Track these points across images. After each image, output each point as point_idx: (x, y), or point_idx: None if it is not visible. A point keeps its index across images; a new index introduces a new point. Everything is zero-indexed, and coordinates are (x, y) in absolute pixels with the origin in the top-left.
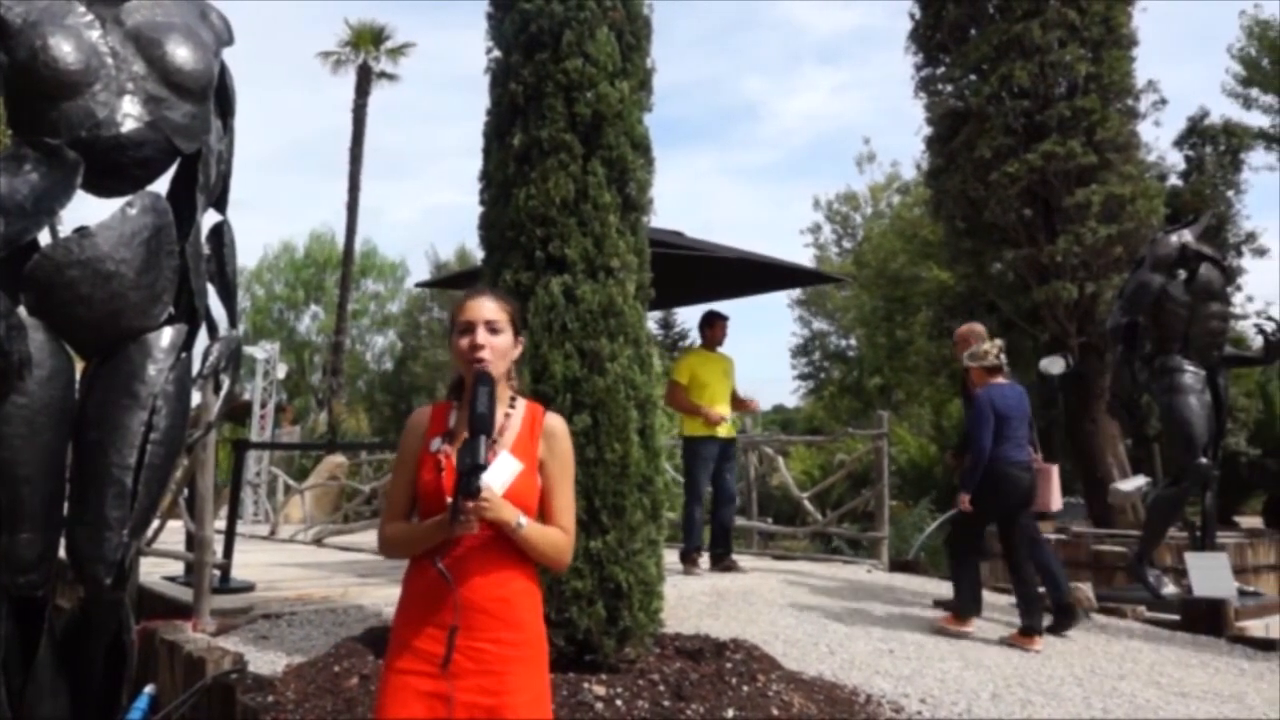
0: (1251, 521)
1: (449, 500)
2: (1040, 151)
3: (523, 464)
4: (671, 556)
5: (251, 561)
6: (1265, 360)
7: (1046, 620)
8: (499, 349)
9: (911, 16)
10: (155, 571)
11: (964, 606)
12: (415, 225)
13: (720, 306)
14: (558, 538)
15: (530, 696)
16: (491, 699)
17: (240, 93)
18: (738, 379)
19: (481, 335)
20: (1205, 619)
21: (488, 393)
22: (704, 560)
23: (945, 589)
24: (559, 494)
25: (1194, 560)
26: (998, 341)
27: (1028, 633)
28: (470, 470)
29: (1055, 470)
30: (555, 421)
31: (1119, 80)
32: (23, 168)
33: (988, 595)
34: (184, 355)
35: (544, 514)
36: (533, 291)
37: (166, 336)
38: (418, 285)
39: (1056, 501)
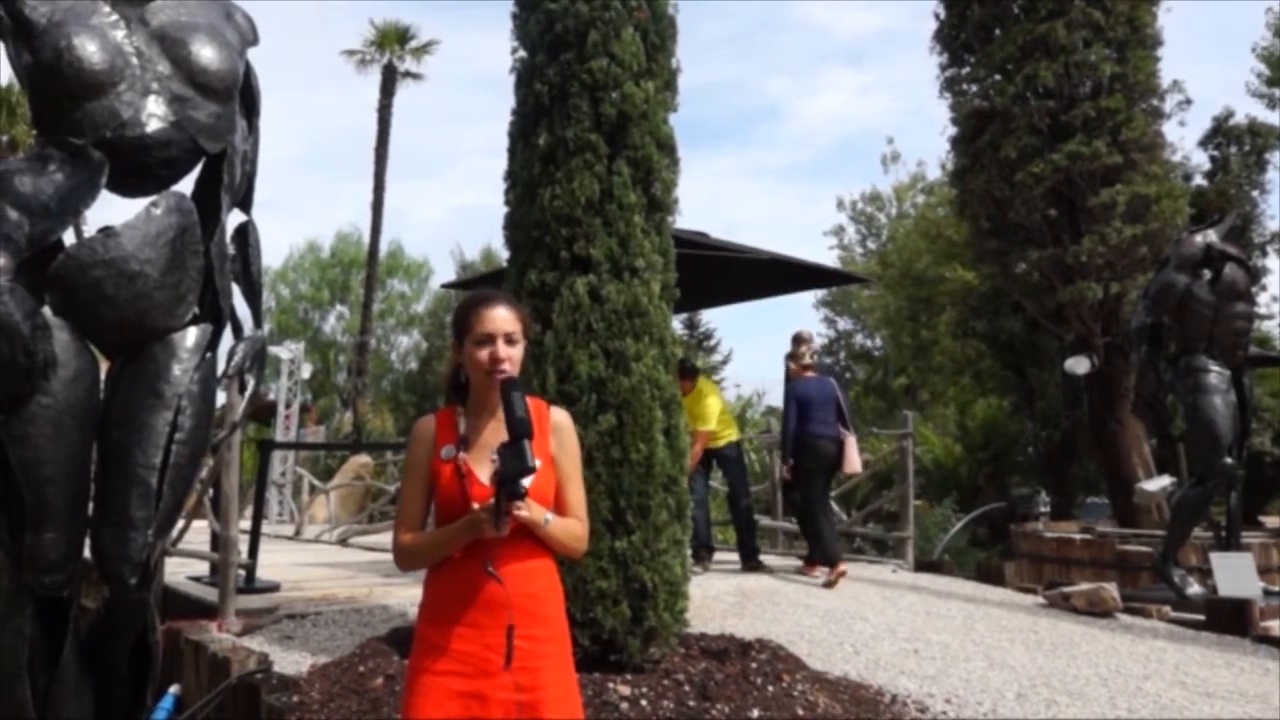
0: (1276, 521)
1: (476, 505)
2: (1065, 151)
3: (539, 460)
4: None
5: (276, 561)
6: None
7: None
8: (516, 360)
9: (936, 16)
10: (180, 571)
11: (819, 553)
12: (441, 225)
13: (743, 305)
14: (577, 527)
15: (562, 692)
16: (527, 696)
17: (265, 93)
18: (734, 391)
19: (502, 349)
20: (1230, 619)
21: (521, 396)
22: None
23: (971, 589)
24: (572, 486)
25: (1219, 560)
26: (812, 346)
27: (814, 561)
28: (519, 474)
29: (853, 440)
30: (561, 416)
31: (1144, 80)
32: (47, 168)
33: (1010, 594)
34: (209, 355)
35: (559, 506)
36: (558, 291)
37: (191, 336)
38: (443, 286)
39: (853, 465)
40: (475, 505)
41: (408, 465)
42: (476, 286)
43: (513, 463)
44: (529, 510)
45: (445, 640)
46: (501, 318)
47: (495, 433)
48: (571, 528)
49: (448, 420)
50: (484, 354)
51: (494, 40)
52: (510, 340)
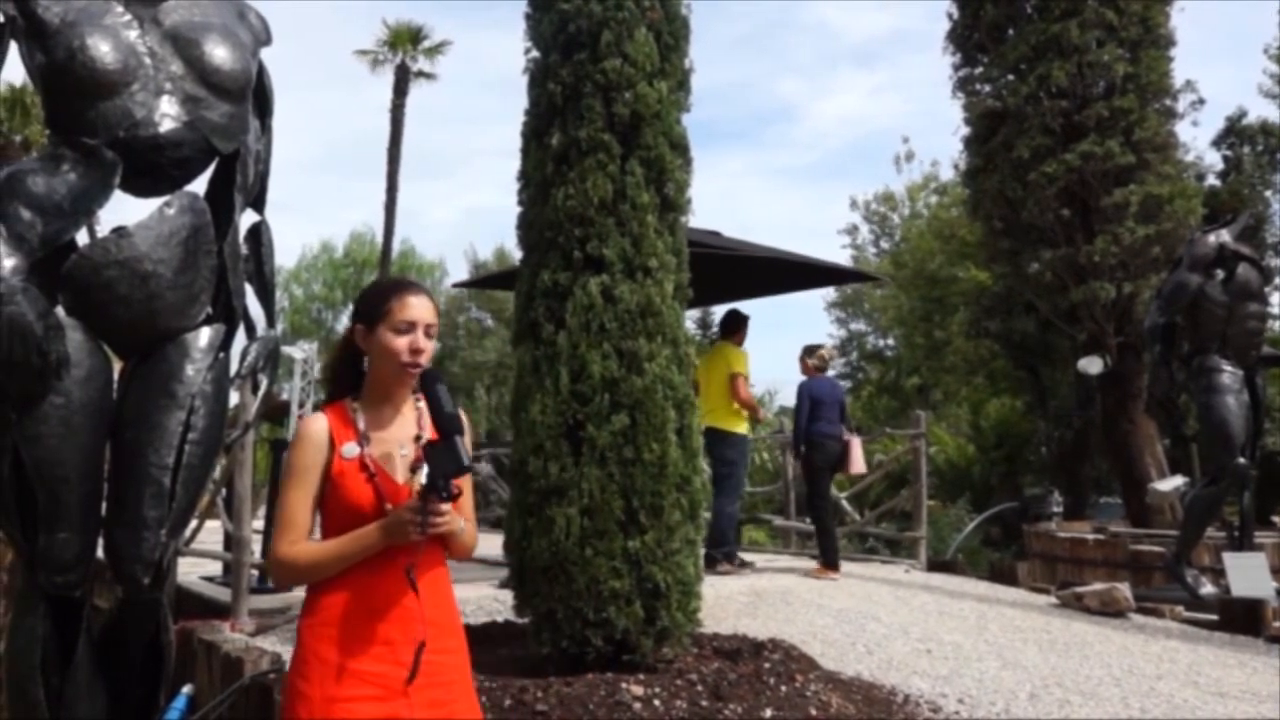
0: None
1: (390, 507)
2: (1078, 151)
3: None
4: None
5: None
6: None
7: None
8: (430, 353)
9: (949, 17)
10: (193, 571)
11: (829, 558)
12: (454, 226)
13: (754, 305)
14: (474, 531)
15: (470, 701)
16: (442, 711)
17: (279, 94)
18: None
19: (422, 339)
20: (1243, 619)
21: (446, 390)
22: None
23: (984, 589)
24: (465, 485)
25: (1232, 560)
26: (828, 352)
27: (829, 566)
28: (455, 473)
29: (858, 442)
30: (462, 415)
31: (1157, 80)
32: (60, 167)
33: (1023, 594)
34: (222, 355)
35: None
36: (571, 291)
37: (204, 336)
38: (456, 285)
39: (859, 465)
40: (389, 506)
41: (295, 468)
42: (490, 286)
43: (446, 462)
44: (451, 521)
45: (354, 661)
46: (425, 307)
47: (401, 427)
48: (473, 534)
49: (342, 416)
50: (403, 342)
51: (507, 41)
52: (429, 333)
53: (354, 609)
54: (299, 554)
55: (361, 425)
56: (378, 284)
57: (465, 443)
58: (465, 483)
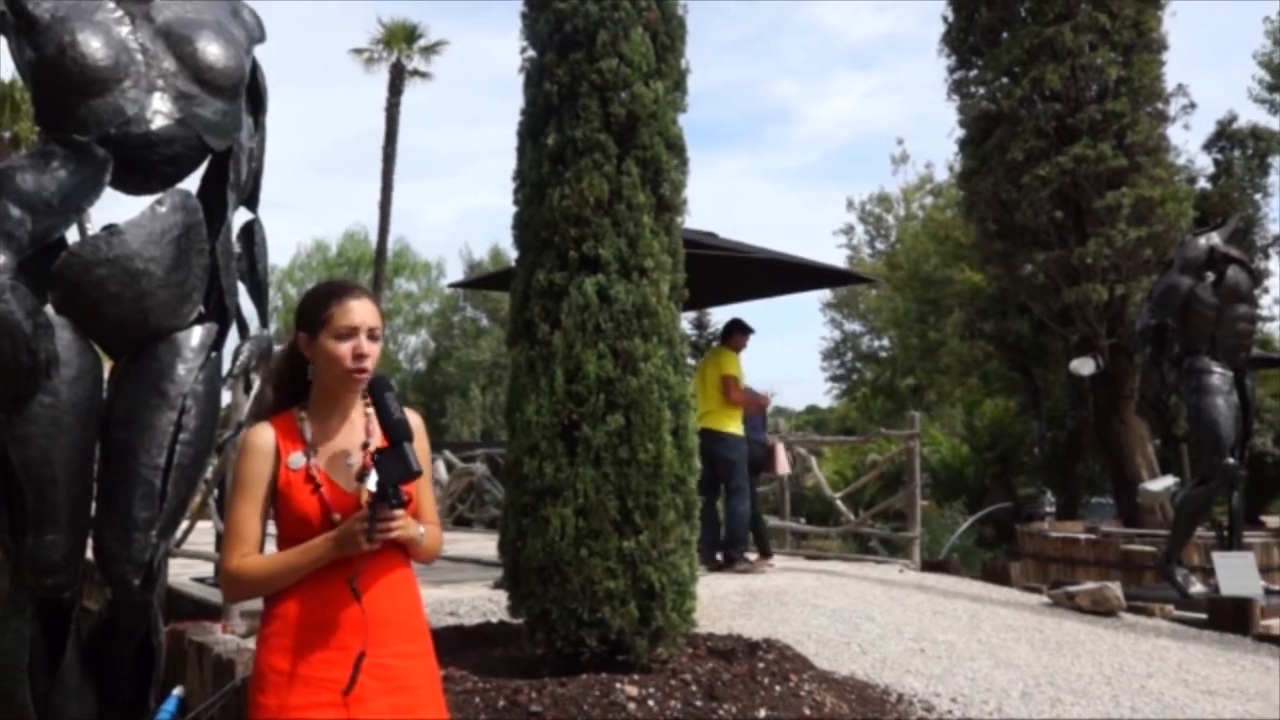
0: (1278, 521)
1: (338, 517)
2: (1071, 154)
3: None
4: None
5: None
6: None
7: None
8: (376, 358)
9: (944, 19)
10: (184, 573)
11: (764, 544)
12: (450, 226)
13: (751, 306)
14: (438, 533)
15: (437, 705)
16: (405, 714)
17: (273, 92)
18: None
19: (365, 344)
20: (1232, 618)
21: (394, 396)
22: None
23: (977, 588)
24: (426, 490)
25: (1221, 559)
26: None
27: (765, 555)
28: (402, 479)
29: (781, 446)
30: (415, 418)
31: (1149, 84)
32: (50, 165)
33: (1015, 594)
34: (214, 354)
35: (417, 512)
36: (566, 291)
37: (196, 336)
38: (452, 286)
39: (784, 466)
40: (337, 516)
41: (242, 480)
42: (485, 286)
43: (395, 468)
44: (405, 527)
45: (308, 669)
46: (367, 310)
47: (349, 436)
48: (435, 534)
49: (288, 426)
50: (345, 348)
51: (503, 41)
52: (373, 336)
53: (306, 618)
54: (248, 567)
55: (308, 435)
56: (317, 290)
57: (419, 447)
58: (424, 485)
